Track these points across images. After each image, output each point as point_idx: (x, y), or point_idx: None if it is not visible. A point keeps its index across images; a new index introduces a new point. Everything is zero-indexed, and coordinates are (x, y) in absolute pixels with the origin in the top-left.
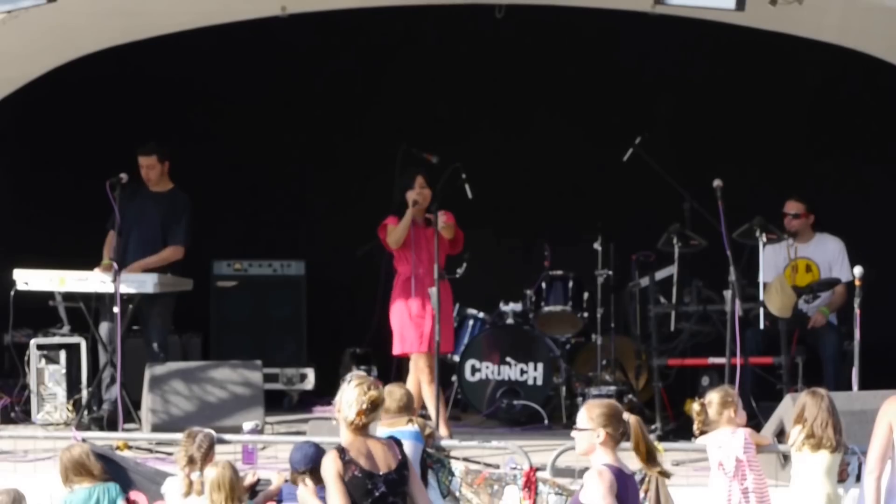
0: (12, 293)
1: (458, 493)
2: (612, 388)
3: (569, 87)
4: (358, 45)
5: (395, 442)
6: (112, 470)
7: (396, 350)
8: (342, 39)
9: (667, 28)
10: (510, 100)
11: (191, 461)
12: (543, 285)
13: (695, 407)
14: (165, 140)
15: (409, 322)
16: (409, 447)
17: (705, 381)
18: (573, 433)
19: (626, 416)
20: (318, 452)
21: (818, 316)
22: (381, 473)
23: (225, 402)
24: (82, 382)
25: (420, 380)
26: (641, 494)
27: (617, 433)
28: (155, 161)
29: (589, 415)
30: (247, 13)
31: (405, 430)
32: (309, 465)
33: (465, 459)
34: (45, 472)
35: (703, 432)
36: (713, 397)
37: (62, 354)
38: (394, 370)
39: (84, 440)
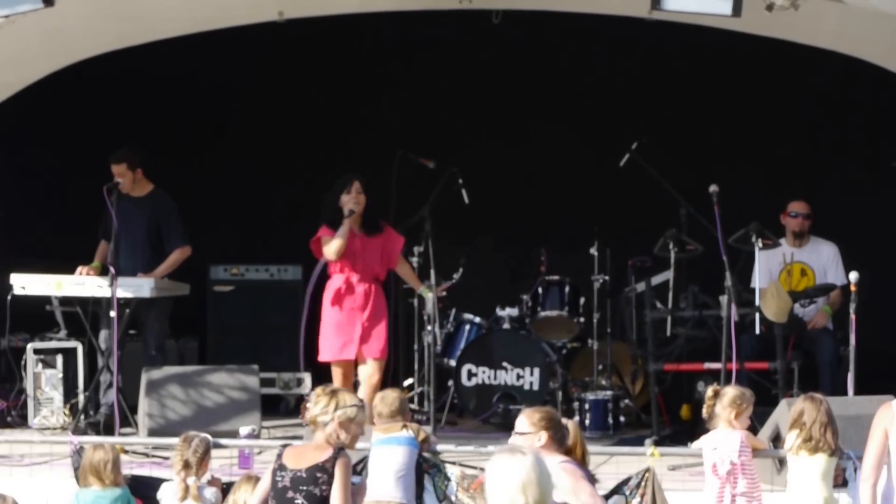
0: (9, 297)
1: (454, 498)
2: (609, 392)
3: (566, 92)
4: (354, 51)
5: (341, 455)
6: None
7: (323, 357)
8: (339, 45)
9: (663, 34)
10: (507, 105)
11: (186, 466)
12: (540, 290)
13: (708, 392)
14: (164, 143)
15: (337, 329)
16: (403, 453)
17: (701, 386)
18: (513, 438)
19: (565, 420)
20: None
21: (821, 315)
22: (290, 468)
23: (222, 406)
24: (79, 387)
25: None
26: (638, 498)
27: (557, 436)
28: (125, 169)
29: (530, 420)
30: (244, 18)
31: (399, 435)
32: None
33: (462, 464)
34: (42, 477)
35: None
36: (728, 391)
37: (59, 359)
38: (390, 375)
39: (126, 449)
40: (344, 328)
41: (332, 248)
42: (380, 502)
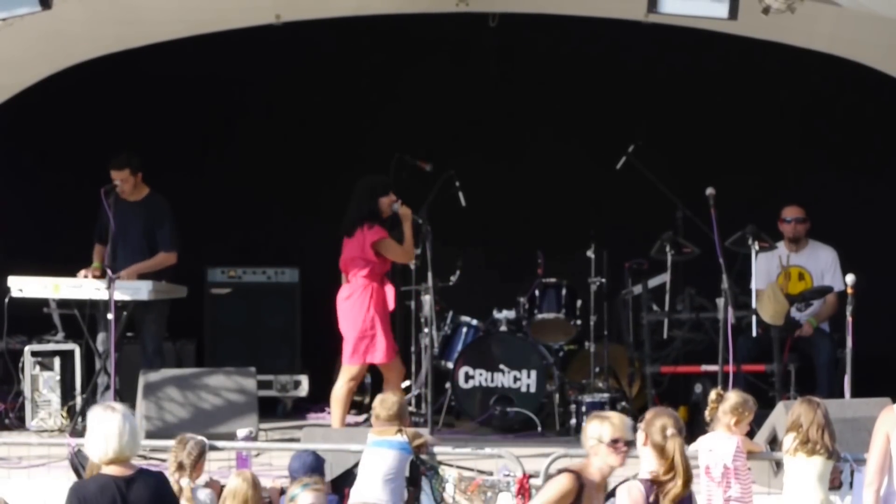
0: (6, 300)
1: (451, 500)
2: (606, 395)
3: (562, 95)
4: (351, 54)
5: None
6: None
7: (381, 359)
8: (336, 48)
9: (659, 37)
10: (504, 108)
11: (180, 467)
12: (537, 293)
13: (712, 395)
14: (161, 147)
15: (385, 330)
16: (394, 457)
17: (698, 388)
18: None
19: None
20: (317, 461)
21: (806, 326)
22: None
23: (219, 408)
24: (76, 389)
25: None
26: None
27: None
28: (127, 174)
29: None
30: (241, 21)
31: (393, 439)
32: (308, 472)
33: (459, 466)
34: (39, 479)
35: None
36: (731, 397)
37: (56, 361)
38: None
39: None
40: (388, 328)
41: (409, 249)
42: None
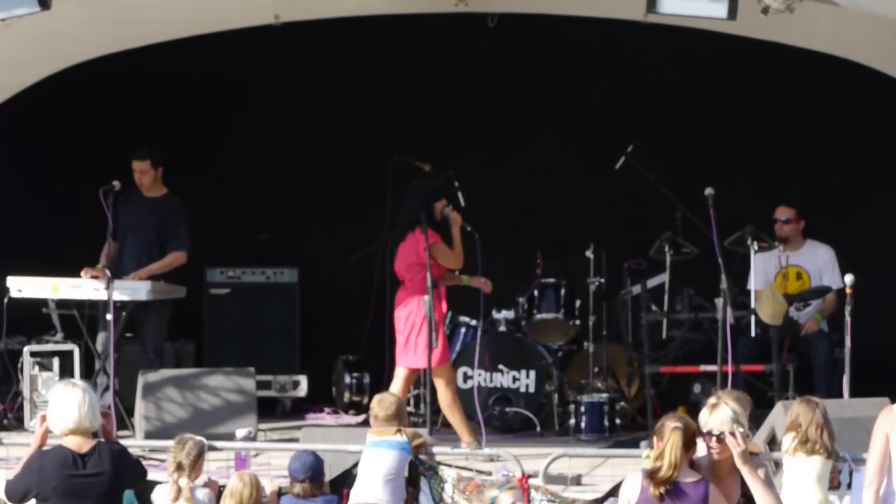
0: (5, 300)
1: (450, 501)
2: (605, 395)
3: (561, 95)
4: (350, 54)
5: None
6: None
7: (443, 361)
8: (335, 48)
9: (659, 37)
10: (503, 108)
11: (179, 467)
12: (536, 293)
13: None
14: (159, 146)
15: (440, 334)
16: (393, 457)
17: (697, 388)
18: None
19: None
20: (317, 461)
21: (811, 322)
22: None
23: (218, 409)
24: None
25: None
26: None
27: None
28: (148, 166)
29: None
30: (240, 21)
31: (392, 439)
32: (308, 473)
33: (458, 466)
34: None
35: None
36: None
37: (55, 361)
38: (386, 377)
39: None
40: (443, 333)
41: (460, 255)
42: None
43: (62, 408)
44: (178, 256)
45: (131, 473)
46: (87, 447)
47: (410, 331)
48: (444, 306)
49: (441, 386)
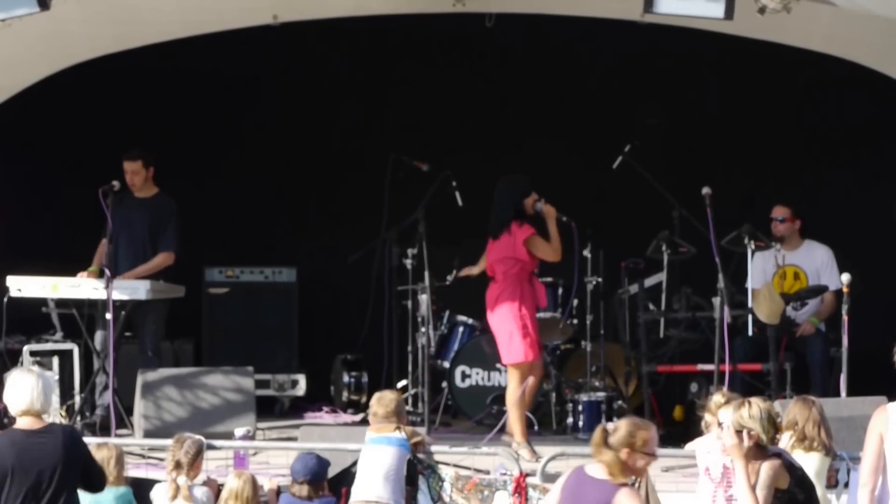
0: (5, 300)
1: (448, 499)
2: (602, 394)
3: (558, 95)
4: (348, 54)
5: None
6: None
7: (528, 357)
8: (333, 48)
9: (656, 37)
10: (500, 107)
11: (177, 466)
12: None
13: (717, 399)
14: (159, 146)
15: (534, 328)
16: (393, 454)
17: (694, 387)
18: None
19: None
20: (319, 465)
21: (807, 325)
22: None
23: (217, 408)
24: (75, 388)
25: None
26: None
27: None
28: (140, 166)
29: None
30: (239, 21)
31: (391, 436)
32: (307, 476)
33: (456, 465)
34: None
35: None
36: (719, 398)
37: (55, 361)
38: (384, 377)
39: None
40: (536, 327)
41: (558, 247)
42: (367, 501)
43: (16, 390)
44: (166, 257)
45: (84, 455)
46: (39, 426)
47: (512, 325)
48: (542, 299)
49: (514, 382)
